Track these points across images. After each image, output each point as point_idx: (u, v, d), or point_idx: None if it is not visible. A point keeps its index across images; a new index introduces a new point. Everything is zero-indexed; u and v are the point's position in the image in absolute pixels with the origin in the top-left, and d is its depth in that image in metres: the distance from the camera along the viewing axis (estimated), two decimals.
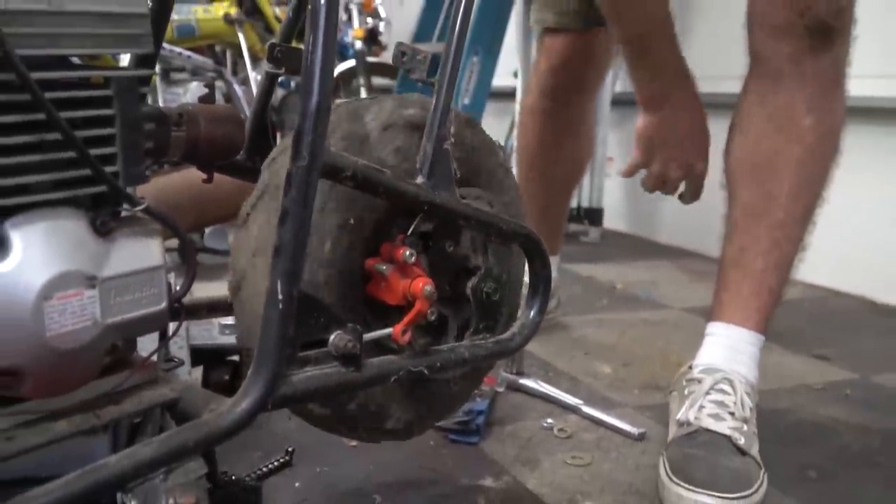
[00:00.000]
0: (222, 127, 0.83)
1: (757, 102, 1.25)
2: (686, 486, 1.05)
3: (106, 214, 0.66)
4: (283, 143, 0.88)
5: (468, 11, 0.90)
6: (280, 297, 0.68)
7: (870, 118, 2.32)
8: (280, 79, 1.08)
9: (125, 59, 0.75)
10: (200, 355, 1.19)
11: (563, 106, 1.70)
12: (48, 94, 0.59)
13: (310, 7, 0.70)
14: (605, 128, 3.09)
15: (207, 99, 0.85)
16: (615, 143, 3.24)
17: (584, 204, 3.10)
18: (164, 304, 0.70)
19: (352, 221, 0.83)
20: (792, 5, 1.15)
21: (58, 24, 0.61)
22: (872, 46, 2.22)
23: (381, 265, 0.84)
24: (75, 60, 0.67)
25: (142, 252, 0.68)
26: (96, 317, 0.64)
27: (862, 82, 2.23)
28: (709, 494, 1.03)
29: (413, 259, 0.84)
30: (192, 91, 2.70)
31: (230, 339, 1.26)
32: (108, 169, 0.64)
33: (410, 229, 0.86)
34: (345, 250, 0.83)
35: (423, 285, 0.83)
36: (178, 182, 1.43)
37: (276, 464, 1.11)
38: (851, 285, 2.39)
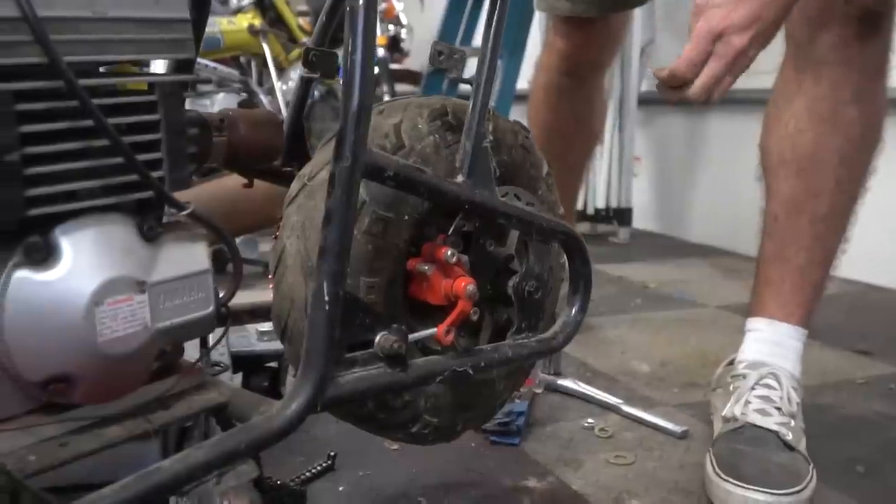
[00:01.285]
0: (262, 132, 0.83)
1: (797, 92, 1.20)
2: (735, 482, 1.03)
3: (152, 220, 0.66)
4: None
5: (503, 13, 0.89)
6: (326, 298, 0.68)
7: None
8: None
9: (157, 66, 0.76)
10: (240, 362, 1.19)
11: (581, 83, 1.65)
12: (94, 101, 0.59)
13: (348, 9, 0.69)
14: (631, 127, 3.07)
15: (247, 104, 0.85)
16: (642, 142, 3.23)
17: (613, 204, 3.08)
18: (211, 309, 0.70)
19: (394, 221, 0.82)
20: None
21: (101, 31, 0.61)
22: None
23: (423, 265, 0.84)
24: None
25: (188, 257, 0.68)
26: (146, 322, 0.64)
27: None
28: (759, 490, 1.02)
29: (455, 259, 0.83)
30: (218, 102, 2.72)
31: (268, 346, 1.26)
32: (154, 174, 0.64)
33: (451, 228, 0.86)
34: (387, 251, 0.83)
35: (466, 285, 0.83)
36: (210, 192, 1.44)
37: (319, 468, 1.11)
38: (889, 280, 2.36)
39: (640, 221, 3.23)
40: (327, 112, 2.94)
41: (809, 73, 1.18)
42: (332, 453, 1.14)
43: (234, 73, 2.94)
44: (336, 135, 0.70)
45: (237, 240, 2.32)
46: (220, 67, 2.85)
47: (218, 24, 2.83)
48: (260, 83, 3.06)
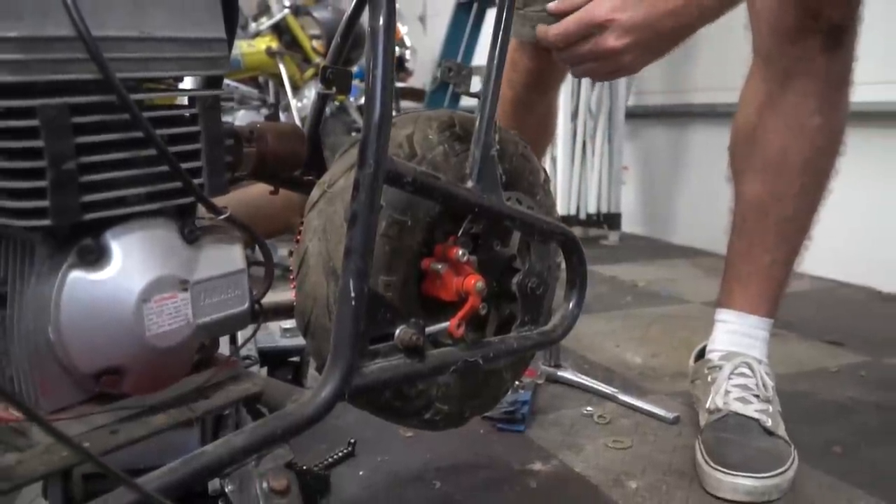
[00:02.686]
0: (288, 143, 0.84)
1: (766, 103, 1.19)
2: (723, 469, 1.04)
3: (192, 223, 0.66)
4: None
5: (507, 31, 0.90)
6: (352, 294, 0.69)
7: (874, 121, 2.31)
8: None
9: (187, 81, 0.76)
10: (265, 357, 1.20)
11: (544, 96, 1.58)
12: (142, 113, 0.60)
13: (370, 30, 0.70)
14: (619, 139, 3.08)
15: (272, 118, 0.86)
16: (629, 152, 3.24)
17: (604, 210, 3.09)
18: (246, 305, 0.71)
19: (409, 224, 0.83)
20: (805, 7, 1.09)
21: (147, 50, 0.62)
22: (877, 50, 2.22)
23: (436, 264, 0.85)
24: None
25: (226, 257, 0.69)
26: (189, 317, 0.65)
27: (871, 86, 2.23)
28: (745, 476, 1.03)
29: (465, 258, 0.84)
30: (239, 118, 2.73)
31: (291, 342, 1.27)
32: (194, 181, 0.65)
33: (461, 230, 0.87)
34: (402, 251, 0.84)
35: (476, 282, 0.84)
36: (237, 199, 1.44)
37: (340, 454, 1.12)
38: (857, 276, 2.37)
39: (629, 225, 3.24)
40: (339, 127, 2.94)
41: (776, 84, 1.17)
42: (352, 440, 1.14)
43: (254, 91, 2.94)
44: (359, 143, 0.71)
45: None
46: (241, 87, 2.86)
47: (238, 47, 2.84)
48: (277, 101, 3.07)
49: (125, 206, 0.62)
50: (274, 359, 1.23)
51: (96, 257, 0.61)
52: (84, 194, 0.58)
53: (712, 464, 1.06)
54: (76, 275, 0.60)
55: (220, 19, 0.68)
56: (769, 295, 1.23)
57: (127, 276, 0.61)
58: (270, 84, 3.15)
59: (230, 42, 0.76)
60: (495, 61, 0.89)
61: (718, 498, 1.05)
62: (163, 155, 0.60)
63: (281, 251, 2.23)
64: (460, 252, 0.84)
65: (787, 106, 1.17)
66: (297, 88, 3.00)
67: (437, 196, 0.79)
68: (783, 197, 1.20)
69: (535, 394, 1.35)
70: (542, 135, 1.67)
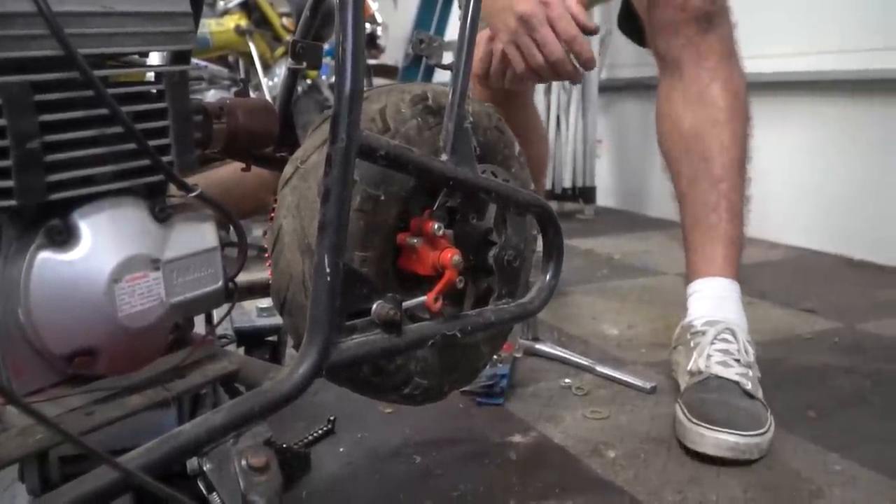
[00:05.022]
0: (259, 118, 0.83)
1: (670, 90, 1.36)
2: (706, 426, 1.06)
3: (162, 201, 0.66)
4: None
5: (478, 1, 0.90)
6: (327, 269, 0.68)
7: (844, 92, 2.33)
8: None
9: (154, 57, 0.75)
10: (241, 337, 1.19)
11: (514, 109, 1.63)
12: (107, 90, 0.59)
13: (338, 1, 0.69)
14: (593, 112, 3.09)
15: (242, 93, 0.85)
16: (603, 126, 3.25)
17: (579, 184, 3.10)
18: (220, 283, 0.70)
19: (383, 198, 0.83)
20: (673, 4, 1.28)
21: (109, 25, 0.60)
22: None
23: (412, 239, 0.84)
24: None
25: (198, 235, 0.68)
26: (162, 297, 0.64)
27: (842, 56, 2.25)
28: (728, 432, 1.04)
29: (441, 232, 0.84)
30: (209, 98, 2.69)
31: (267, 321, 1.26)
32: (163, 158, 0.64)
33: (436, 204, 0.86)
34: (377, 227, 0.83)
35: (452, 255, 0.83)
36: (204, 180, 1.43)
37: (320, 432, 1.12)
38: (828, 245, 2.40)
39: (604, 199, 3.26)
40: (311, 105, 2.92)
41: (674, 72, 1.35)
42: (331, 418, 1.14)
43: (224, 70, 2.90)
44: (330, 118, 0.70)
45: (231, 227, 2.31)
46: (211, 66, 2.82)
47: (207, 26, 2.80)
48: (247, 80, 3.03)
49: (93, 185, 0.61)
50: (251, 339, 1.22)
51: (65, 238, 0.60)
52: (50, 174, 0.57)
53: (695, 420, 1.07)
54: (45, 256, 0.59)
55: None
56: (724, 253, 1.30)
57: (97, 256, 0.60)
58: (241, 63, 3.11)
59: (196, 16, 0.75)
60: (467, 33, 0.88)
61: (697, 457, 1.06)
62: (129, 132, 0.59)
63: (255, 232, 2.22)
64: (436, 226, 0.84)
65: (686, 85, 1.34)
66: (267, 67, 2.97)
67: (410, 169, 0.78)
68: (708, 158, 1.32)
69: (513, 367, 1.35)
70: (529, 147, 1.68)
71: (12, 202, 0.56)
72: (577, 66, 1.20)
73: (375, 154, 0.74)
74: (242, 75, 3.02)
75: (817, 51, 2.35)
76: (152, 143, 0.62)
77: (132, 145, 0.61)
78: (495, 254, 0.93)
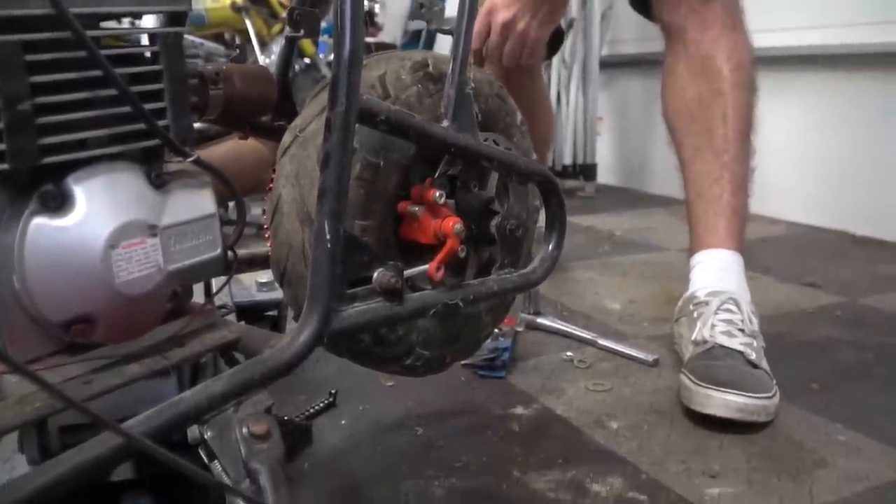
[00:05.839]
0: (256, 85, 0.81)
1: (675, 62, 1.36)
2: (714, 387, 1.05)
3: (159, 167, 0.64)
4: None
5: None
6: (328, 236, 0.67)
7: (845, 65, 2.31)
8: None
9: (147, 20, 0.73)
10: (241, 312, 1.19)
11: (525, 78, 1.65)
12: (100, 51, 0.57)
13: None
14: (594, 89, 3.06)
15: (238, 60, 0.83)
16: (604, 103, 3.22)
17: (579, 161, 3.08)
18: (218, 251, 0.69)
19: (383, 165, 0.82)
20: None
21: None
22: None
23: (413, 207, 0.83)
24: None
25: (195, 201, 0.67)
26: (159, 263, 0.63)
27: (842, 29, 2.23)
28: (737, 393, 1.04)
29: (442, 199, 0.83)
30: None
31: (268, 296, 1.26)
32: (159, 123, 0.63)
33: (438, 172, 0.85)
34: (378, 195, 0.82)
35: (454, 224, 0.82)
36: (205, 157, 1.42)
37: (321, 405, 1.11)
38: (830, 221, 2.39)
39: (605, 176, 3.24)
40: (309, 83, 2.89)
41: (678, 42, 1.34)
42: (333, 391, 1.14)
43: (220, 48, 2.88)
44: (329, 83, 0.69)
45: (230, 204, 2.30)
46: (207, 43, 2.79)
47: (203, 3, 2.77)
48: (244, 58, 3.01)
49: (87, 149, 0.59)
50: (251, 313, 1.21)
51: (59, 203, 0.59)
52: (42, 136, 0.56)
53: (701, 382, 1.07)
54: (39, 221, 0.58)
55: None
56: (728, 225, 1.29)
57: (92, 221, 0.59)
58: (237, 40, 3.09)
59: None
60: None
61: (702, 423, 1.06)
62: (123, 94, 0.58)
63: (255, 210, 2.21)
64: (437, 194, 0.82)
65: (690, 55, 1.34)
66: (264, 44, 2.94)
67: (411, 135, 0.77)
68: (711, 129, 1.31)
69: (515, 341, 1.35)
70: (535, 120, 1.67)
71: (4, 166, 0.55)
72: None
73: (375, 119, 0.72)
74: (239, 53, 3.00)
75: (819, 25, 2.33)
76: (147, 106, 0.61)
77: (126, 108, 0.60)
78: (497, 223, 0.92)
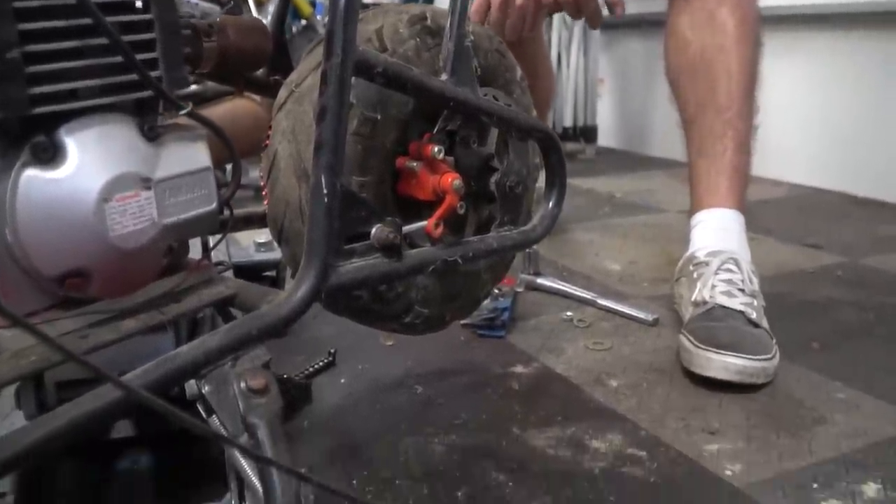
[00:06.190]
0: (250, 37, 0.80)
1: (678, 17, 1.34)
2: (714, 350, 1.05)
3: (152, 119, 0.63)
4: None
5: None
6: (325, 190, 0.66)
7: (846, 25, 2.28)
8: None
9: None
10: (239, 272, 1.18)
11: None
12: None
13: None
14: (595, 51, 3.03)
15: (234, 11, 0.82)
16: (605, 64, 3.19)
17: (580, 123, 3.05)
18: (214, 205, 0.69)
19: (380, 120, 0.80)
20: None
21: None
22: None
23: (411, 162, 0.82)
24: None
25: (190, 155, 0.66)
26: (154, 217, 0.63)
27: None
28: (736, 356, 1.04)
29: (441, 155, 0.82)
30: None
31: (266, 256, 1.25)
32: (152, 74, 0.62)
33: (436, 127, 0.84)
34: (375, 150, 0.81)
35: (453, 180, 0.81)
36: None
37: (320, 364, 1.11)
38: (832, 182, 2.38)
39: (605, 139, 3.21)
40: (306, 44, 2.85)
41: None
42: (332, 350, 1.14)
43: (216, 7, 2.84)
44: (324, 36, 0.67)
45: (227, 167, 2.29)
46: (202, 3, 2.75)
47: None
48: (239, 10, 2.97)
49: (78, 99, 0.58)
50: (249, 273, 1.21)
51: (51, 155, 0.58)
52: (32, 86, 0.55)
53: (701, 345, 1.06)
54: (31, 173, 0.57)
55: None
56: (730, 184, 1.28)
57: (85, 173, 0.59)
58: None
59: None
60: None
61: (702, 383, 1.06)
62: (114, 43, 0.56)
63: (251, 173, 2.19)
64: (436, 149, 0.81)
65: (693, 9, 1.31)
66: (260, 5, 2.90)
67: (409, 88, 0.76)
68: (714, 85, 1.29)
69: (514, 301, 1.34)
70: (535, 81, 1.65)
71: None
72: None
73: (372, 71, 0.71)
74: (233, 4, 2.96)
75: None
76: (139, 56, 0.60)
77: (118, 58, 0.59)
78: (497, 180, 0.91)
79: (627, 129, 3.24)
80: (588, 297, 1.38)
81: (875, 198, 2.24)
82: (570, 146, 3.04)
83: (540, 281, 1.44)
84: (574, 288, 1.41)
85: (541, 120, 1.73)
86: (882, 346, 1.22)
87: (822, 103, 2.41)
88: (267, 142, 0.87)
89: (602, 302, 1.35)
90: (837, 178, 2.37)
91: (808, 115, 2.45)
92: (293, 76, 0.85)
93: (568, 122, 3.03)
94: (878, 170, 2.25)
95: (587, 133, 3.05)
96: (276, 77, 0.90)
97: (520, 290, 1.41)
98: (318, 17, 3.05)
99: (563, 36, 3.00)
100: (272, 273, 1.25)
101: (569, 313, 1.33)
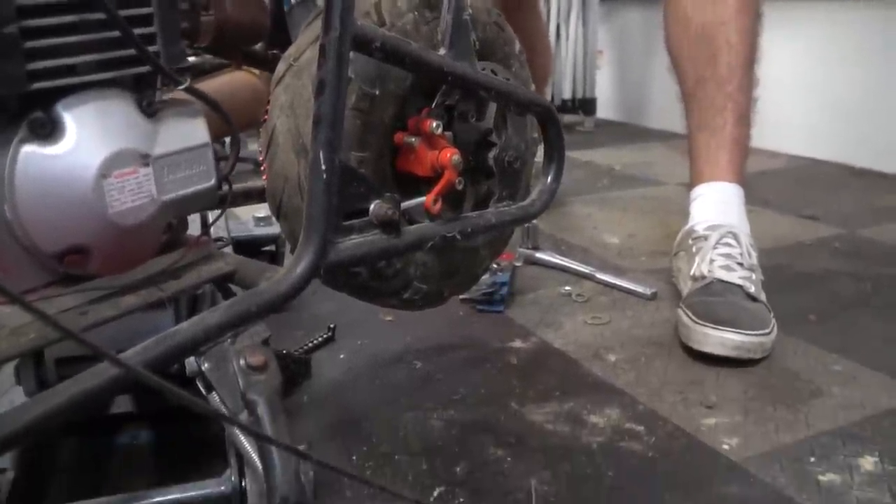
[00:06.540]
0: (248, 11, 0.79)
1: None
2: (711, 325, 1.05)
3: (151, 95, 0.63)
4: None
5: None
6: (323, 166, 0.66)
7: None
8: None
9: None
10: (238, 246, 1.18)
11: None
12: None
13: None
14: (594, 22, 3.00)
15: None
16: (604, 36, 3.17)
17: (579, 95, 3.04)
18: (213, 181, 0.68)
19: (379, 95, 0.80)
20: None
21: None
22: None
23: (409, 138, 0.82)
24: None
25: (188, 131, 0.66)
26: (153, 193, 0.63)
27: None
28: (733, 331, 1.04)
29: (440, 130, 0.81)
30: None
31: (265, 230, 1.25)
32: (150, 49, 0.61)
33: (435, 101, 0.84)
34: (374, 126, 0.81)
35: (451, 155, 0.81)
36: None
37: (320, 339, 1.12)
38: (831, 153, 2.38)
39: (604, 111, 3.20)
40: (305, 16, 2.82)
41: None
42: (331, 325, 1.14)
43: None
44: (322, 9, 0.67)
45: (225, 140, 2.28)
46: None
47: None
48: None
49: (76, 75, 0.58)
50: (248, 248, 1.21)
51: (49, 130, 0.58)
52: (30, 62, 0.55)
53: (699, 320, 1.07)
54: (29, 149, 0.57)
55: None
56: (730, 157, 1.28)
57: (83, 150, 0.58)
58: None
59: None
60: None
61: (700, 358, 1.07)
62: (111, 18, 0.56)
63: (250, 146, 2.18)
64: (434, 124, 0.81)
65: None
66: None
67: (407, 63, 0.75)
68: (715, 57, 1.28)
69: (513, 276, 1.34)
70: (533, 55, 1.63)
71: None
72: None
73: (370, 46, 0.70)
74: None
75: None
76: (136, 30, 0.59)
77: (116, 33, 0.58)
78: (495, 155, 0.91)
79: (626, 101, 3.22)
80: (586, 271, 1.38)
81: (873, 168, 2.24)
82: (568, 118, 3.03)
83: (539, 255, 1.44)
84: (572, 262, 1.41)
85: (539, 95, 1.73)
86: (878, 317, 1.22)
87: (821, 74, 2.40)
88: (265, 116, 0.87)
89: (600, 276, 1.35)
90: (836, 149, 2.37)
91: (807, 86, 2.44)
92: (291, 50, 0.84)
93: (567, 95, 3.02)
94: (877, 140, 2.25)
95: (586, 105, 3.04)
96: (275, 51, 0.90)
97: (518, 264, 1.41)
98: None
99: (561, 7, 2.97)
100: (271, 248, 1.25)
101: (567, 287, 1.34)
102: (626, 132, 3.01)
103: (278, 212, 0.85)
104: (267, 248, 1.25)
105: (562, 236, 1.64)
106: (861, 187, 2.09)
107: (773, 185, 2.08)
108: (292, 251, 0.86)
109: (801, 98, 2.44)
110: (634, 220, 1.78)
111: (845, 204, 1.91)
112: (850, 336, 1.15)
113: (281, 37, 0.93)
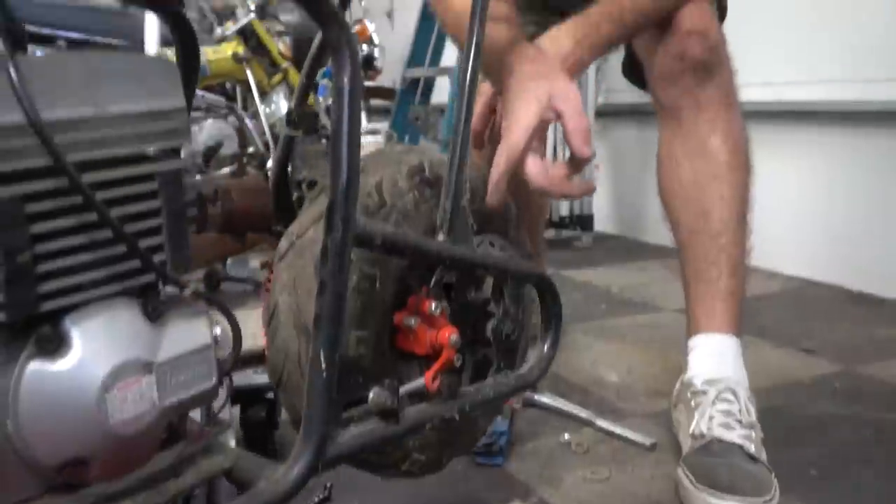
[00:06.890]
0: (254, 200, 0.82)
1: (671, 138, 1.33)
2: (712, 491, 1.04)
3: (156, 300, 0.64)
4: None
5: (475, 73, 0.89)
6: (324, 364, 0.67)
7: (842, 122, 2.33)
8: None
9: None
10: (238, 395, 1.18)
11: None
12: (99, 194, 0.57)
13: (335, 88, 0.68)
14: (591, 140, 3.07)
15: (237, 173, 0.84)
16: (601, 151, 3.24)
17: (576, 211, 3.09)
18: (214, 380, 0.69)
19: (380, 277, 0.82)
20: (671, 54, 1.24)
21: (102, 127, 0.59)
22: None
23: (409, 319, 0.83)
24: None
25: (191, 333, 0.67)
26: (154, 400, 0.63)
27: (848, 86, 2.25)
28: (734, 498, 1.03)
29: (439, 311, 0.83)
30: (206, 128, 2.68)
31: (265, 379, 1.25)
32: (156, 257, 0.63)
33: (433, 281, 0.85)
34: (374, 306, 0.82)
35: (450, 335, 0.83)
36: None
37: (316, 501, 1.10)
38: (826, 275, 2.41)
39: (601, 225, 3.25)
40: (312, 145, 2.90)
41: (673, 120, 1.32)
42: (328, 485, 1.12)
43: (221, 99, 2.89)
44: (327, 208, 0.69)
45: (229, 260, 2.29)
46: (208, 95, 2.81)
47: (204, 54, 2.79)
48: (245, 108, 3.02)
49: (84, 291, 0.59)
50: (248, 396, 1.21)
51: (55, 346, 0.58)
52: (40, 284, 0.56)
53: (700, 485, 1.06)
54: (35, 366, 0.58)
55: (179, 86, 0.65)
56: (725, 307, 1.29)
57: (88, 364, 0.59)
58: (238, 90, 3.10)
59: (189, 106, 0.74)
60: (464, 105, 0.88)
61: None
62: (121, 237, 0.58)
63: (252, 263, 2.21)
64: (433, 305, 0.83)
65: (685, 134, 1.31)
66: (264, 94, 2.96)
67: (407, 253, 0.78)
68: (707, 212, 1.30)
69: (512, 422, 1.34)
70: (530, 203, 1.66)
71: (1, 318, 0.54)
72: None
73: (372, 243, 0.73)
74: (240, 103, 3.02)
75: (820, 80, 2.35)
76: (145, 242, 0.61)
77: (125, 248, 0.60)
78: (493, 326, 0.92)
79: (623, 215, 3.27)
80: (585, 416, 1.37)
81: (871, 293, 2.26)
82: (566, 233, 3.07)
83: (538, 397, 1.44)
84: (572, 406, 1.41)
85: (534, 239, 1.75)
86: (881, 473, 1.21)
87: (816, 196, 2.45)
88: (268, 287, 0.88)
89: (600, 423, 1.35)
90: (833, 271, 2.39)
91: (803, 208, 2.48)
92: (294, 227, 0.87)
93: (564, 211, 3.07)
94: (875, 265, 2.27)
95: (583, 221, 3.09)
96: (279, 229, 0.92)
97: (517, 406, 1.41)
98: (320, 99, 3.11)
99: (558, 126, 3.04)
100: (271, 396, 1.24)
101: (566, 435, 1.33)
102: (623, 247, 3.05)
103: (279, 384, 0.86)
104: (267, 397, 1.24)
105: (560, 372, 1.64)
106: (859, 315, 2.10)
107: (770, 312, 2.09)
108: (292, 422, 0.87)
109: (798, 219, 2.48)
110: (632, 352, 1.79)
111: (843, 334, 1.91)
112: (853, 495, 1.14)
113: (284, 208, 0.96)
